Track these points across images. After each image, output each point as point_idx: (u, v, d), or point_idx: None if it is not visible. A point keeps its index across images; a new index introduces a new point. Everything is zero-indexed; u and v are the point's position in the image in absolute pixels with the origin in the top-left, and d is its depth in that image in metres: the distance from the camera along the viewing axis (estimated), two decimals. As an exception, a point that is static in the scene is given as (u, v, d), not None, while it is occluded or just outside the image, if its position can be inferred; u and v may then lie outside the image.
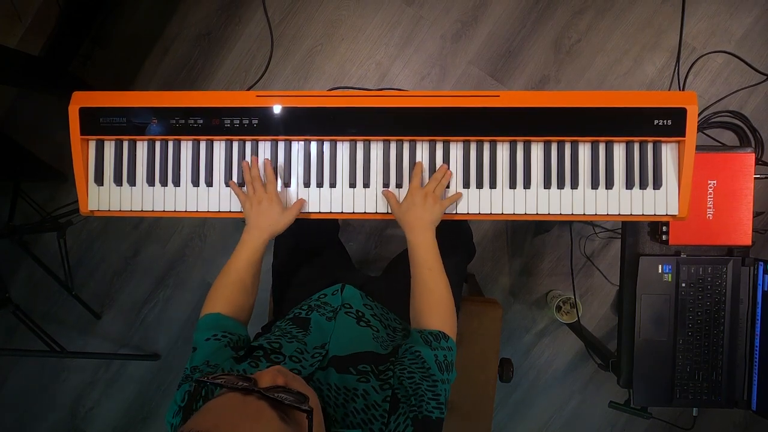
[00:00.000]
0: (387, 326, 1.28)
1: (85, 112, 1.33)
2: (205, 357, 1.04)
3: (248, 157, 1.34)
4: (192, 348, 1.09)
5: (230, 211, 1.36)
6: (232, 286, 1.22)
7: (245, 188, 1.33)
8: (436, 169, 1.32)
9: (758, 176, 1.48)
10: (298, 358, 1.05)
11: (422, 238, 1.24)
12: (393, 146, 1.33)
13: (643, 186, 1.30)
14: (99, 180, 1.36)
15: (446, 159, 1.32)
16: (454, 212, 1.33)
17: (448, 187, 1.33)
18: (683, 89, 2.27)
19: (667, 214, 1.31)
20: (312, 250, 1.56)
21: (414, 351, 1.04)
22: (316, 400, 0.83)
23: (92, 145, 1.36)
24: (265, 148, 1.35)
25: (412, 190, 1.28)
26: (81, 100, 1.33)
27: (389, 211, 1.33)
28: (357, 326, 1.22)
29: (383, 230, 2.47)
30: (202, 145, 1.35)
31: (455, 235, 1.60)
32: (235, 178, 1.35)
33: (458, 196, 1.32)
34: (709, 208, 1.45)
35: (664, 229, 1.47)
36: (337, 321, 1.22)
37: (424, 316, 1.16)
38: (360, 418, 0.92)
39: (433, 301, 1.18)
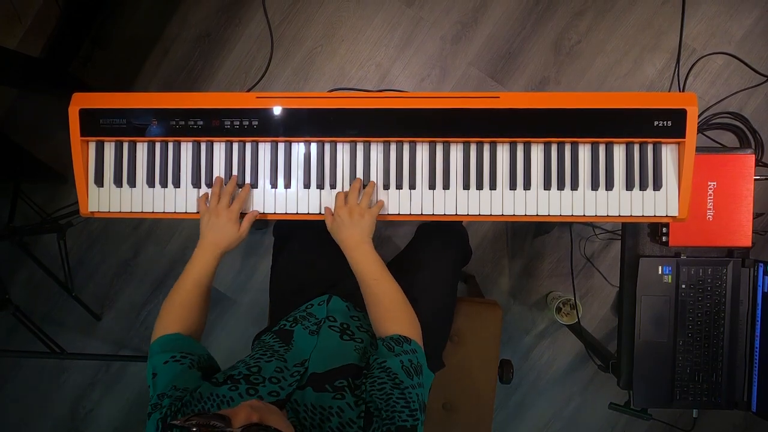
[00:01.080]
0: (373, 336, 1.28)
1: (85, 114, 1.33)
2: (171, 381, 1.01)
3: (248, 158, 1.34)
4: (151, 374, 1.06)
5: (230, 213, 1.36)
6: (184, 306, 1.20)
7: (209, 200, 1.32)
8: (437, 170, 1.32)
9: (758, 177, 1.48)
10: (278, 378, 1.04)
11: (357, 253, 1.23)
12: (393, 147, 1.33)
13: (643, 187, 1.30)
14: (99, 181, 1.36)
15: (446, 160, 1.32)
16: (455, 213, 1.33)
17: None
18: (683, 90, 2.28)
19: (667, 216, 1.31)
20: (311, 253, 1.56)
21: (380, 362, 1.04)
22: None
23: (92, 146, 1.37)
24: (265, 150, 1.35)
25: (337, 209, 1.28)
26: (81, 101, 1.33)
27: (395, 213, 1.33)
28: (340, 340, 1.21)
29: (381, 232, 2.47)
30: (203, 147, 1.36)
31: (449, 235, 1.60)
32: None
33: (381, 203, 1.32)
34: (709, 209, 1.45)
35: (664, 230, 1.47)
36: (320, 335, 1.22)
37: (381, 324, 1.16)
38: None
39: (385, 308, 1.17)
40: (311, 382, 1.03)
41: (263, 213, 1.35)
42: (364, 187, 1.32)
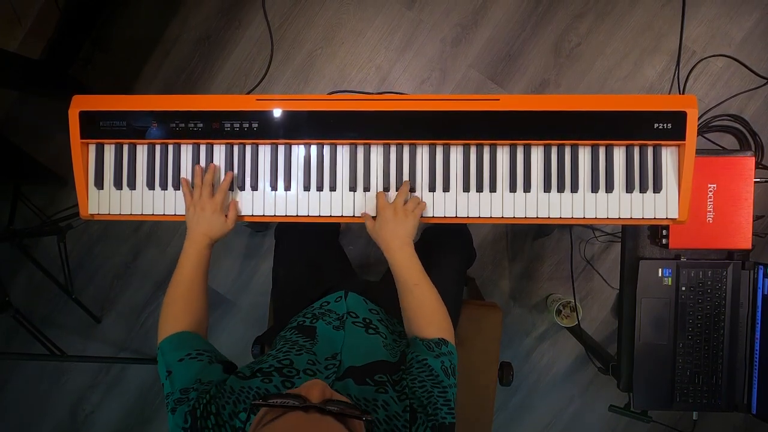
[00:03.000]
0: (393, 331, 1.28)
1: (85, 116, 1.33)
2: (194, 376, 1.01)
3: (248, 161, 1.34)
4: (165, 372, 1.05)
5: (230, 215, 1.36)
6: (185, 299, 1.21)
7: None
8: (437, 173, 1.32)
9: (758, 180, 1.48)
10: (312, 370, 1.04)
11: (400, 255, 1.23)
12: (393, 150, 1.33)
13: (643, 189, 1.30)
14: (99, 184, 1.36)
15: (446, 163, 1.32)
16: (455, 216, 1.33)
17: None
18: (683, 93, 2.28)
19: (667, 218, 1.31)
20: (312, 254, 1.56)
21: (420, 359, 1.05)
22: None
23: (92, 148, 1.37)
24: (265, 152, 1.35)
25: (380, 208, 1.28)
26: (81, 103, 1.33)
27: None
28: (366, 335, 1.21)
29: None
30: (202, 149, 1.36)
31: (455, 238, 1.61)
32: (235, 182, 1.35)
33: (424, 204, 1.32)
34: (709, 211, 1.45)
35: (664, 232, 1.47)
36: (345, 330, 1.21)
37: (420, 328, 1.16)
38: (383, 430, 0.91)
39: (425, 313, 1.17)
40: (350, 375, 1.03)
41: (264, 215, 1.35)
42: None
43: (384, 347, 1.17)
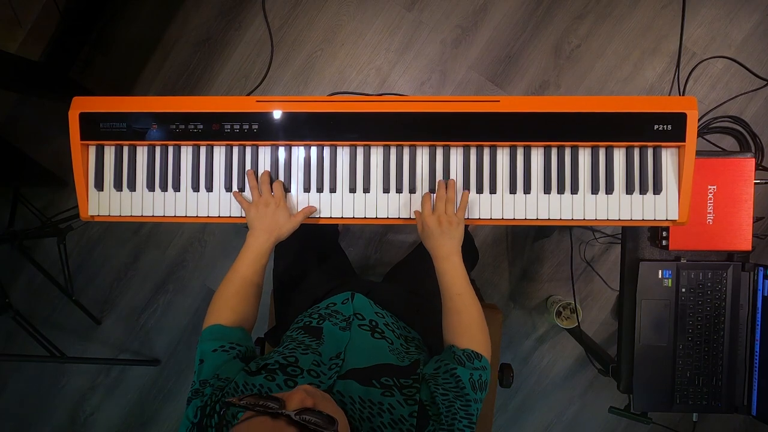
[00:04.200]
0: (399, 336, 1.27)
1: (85, 118, 1.33)
2: (215, 370, 1.02)
3: (248, 162, 1.34)
4: (198, 360, 1.07)
5: (230, 217, 1.36)
6: (237, 295, 1.20)
7: (246, 195, 1.32)
8: (437, 174, 1.33)
9: (758, 181, 1.48)
10: (316, 372, 1.03)
11: (447, 264, 1.22)
12: (393, 151, 1.33)
13: (643, 191, 1.30)
14: (99, 185, 1.36)
15: (446, 164, 1.32)
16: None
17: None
18: (683, 94, 2.28)
19: (667, 220, 1.30)
20: (313, 255, 1.56)
21: (450, 369, 1.04)
22: (345, 422, 0.82)
23: (92, 150, 1.37)
24: (265, 154, 1.35)
25: (425, 218, 1.26)
26: (81, 105, 1.33)
27: (395, 216, 1.33)
28: (372, 338, 1.20)
29: (383, 235, 2.47)
30: (203, 151, 1.36)
31: None
32: (235, 184, 1.35)
33: (466, 196, 1.31)
34: (710, 213, 1.45)
35: (664, 234, 1.47)
36: (351, 331, 1.21)
37: (457, 338, 1.15)
38: None
39: (464, 324, 1.17)
40: (353, 376, 1.02)
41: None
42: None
43: (390, 352, 1.16)
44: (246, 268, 1.23)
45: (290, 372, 1.01)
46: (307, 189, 1.34)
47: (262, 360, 1.05)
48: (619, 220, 1.31)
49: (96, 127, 1.33)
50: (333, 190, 1.34)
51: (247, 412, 0.74)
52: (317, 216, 1.35)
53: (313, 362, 1.06)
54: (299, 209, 1.33)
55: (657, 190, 1.30)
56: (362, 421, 0.93)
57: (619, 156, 1.31)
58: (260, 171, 1.34)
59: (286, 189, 1.34)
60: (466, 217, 1.32)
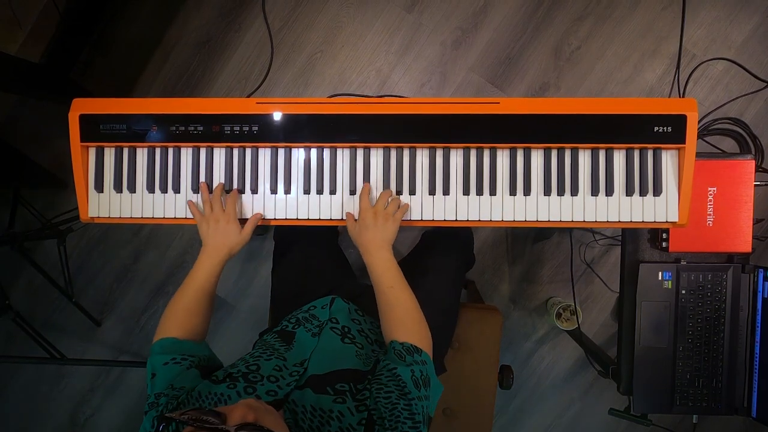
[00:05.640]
0: (373, 341, 1.27)
1: (85, 119, 1.33)
2: (168, 381, 1.02)
3: (248, 164, 1.34)
4: (150, 374, 1.06)
5: (230, 218, 1.36)
6: (188, 310, 1.20)
7: (201, 207, 1.32)
8: (437, 176, 1.33)
9: (758, 183, 1.48)
10: (276, 377, 1.03)
11: (377, 258, 1.23)
12: (393, 153, 1.33)
13: (643, 193, 1.30)
14: (99, 187, 1.36)
15: (446, 166, 1.32)
16: (455, 219, 1.33)
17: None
18: (683, 96, 2.28)
19: (667, 221, 1.31)
20: (311, 257, 1.56)
21: (390, 368, 1.03)
22: None
23: (92, 152, 1.37)
24: (265, 155, 1.35)
25: (362, 211, 1.27)
26: (81, 106, 1.33)
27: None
28: (341, 343, 1.21)
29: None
30: (202, 152, 1.36)
31: (454, 239, 1.61)
32: (235, 185, 1.35)
33: (406, 206, 1.32)
34: (709, 215, 1.45)
35: (664, 236, 1.47)
36: (321, 337, 1.21)
37: (393, 332, 1.15)
38: None
39: (398, 317, 1.16)
40: (311, 384, 1.02)
41: (264, 219, 1.35)
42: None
43: (357, 356, 1.15)
44: (198, 282, 1.22)
45: (251, 379, 1.01)
46: (306, 191, 1.34)
47: (230, 368, 1.06)
48: (619, 222, 1.31)
49: (96, 129, 1.33)
50: (333, 191, 1.34)
51: (187, 428, 0.72)
52: (317, 218, 1.35)
53: (275, 368, 1.06)
54: (302, 211, 1.33)
55: (657, 191, 1.30)
56: (311, 430, 0.92)
57: (619, 158, 1.31)
58: (260, 172, 1.35)
59: (286, 191, 1.34)
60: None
